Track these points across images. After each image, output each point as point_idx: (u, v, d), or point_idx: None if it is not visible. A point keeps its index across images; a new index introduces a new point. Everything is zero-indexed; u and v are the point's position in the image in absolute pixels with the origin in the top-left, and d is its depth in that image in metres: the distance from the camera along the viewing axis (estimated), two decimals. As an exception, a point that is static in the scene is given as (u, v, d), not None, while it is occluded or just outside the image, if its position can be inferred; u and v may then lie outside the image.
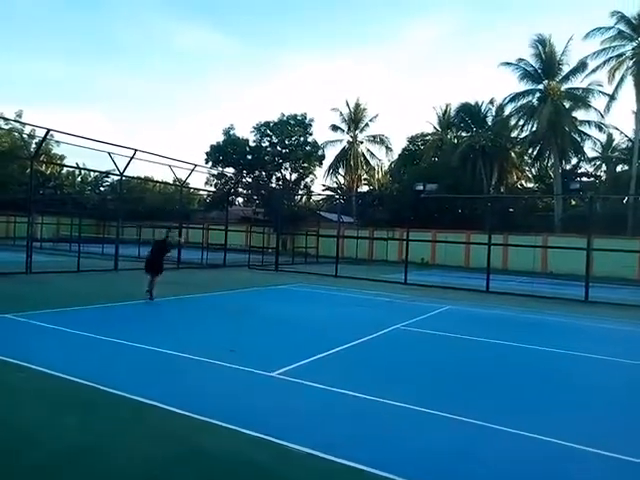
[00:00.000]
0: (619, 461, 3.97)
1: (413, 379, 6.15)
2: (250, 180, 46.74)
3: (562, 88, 38.19)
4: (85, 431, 4.07)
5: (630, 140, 40.57)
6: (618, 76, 35.44)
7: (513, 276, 25.37)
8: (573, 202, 41.94)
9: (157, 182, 51.02)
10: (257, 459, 3.69)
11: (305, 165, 45.49)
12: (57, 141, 39.36)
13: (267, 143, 45.45)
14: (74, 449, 3.74)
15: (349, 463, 3.65)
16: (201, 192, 44.96)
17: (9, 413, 4.40)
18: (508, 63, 38.64)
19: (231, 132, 45.53)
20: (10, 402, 4.67)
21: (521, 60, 38.34)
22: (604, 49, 35.30)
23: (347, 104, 48.62)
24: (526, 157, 44.04)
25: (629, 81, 35.25)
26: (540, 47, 37.68)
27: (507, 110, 40.73)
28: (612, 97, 36.07)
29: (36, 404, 4.63)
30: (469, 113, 43.62)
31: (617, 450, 4.10)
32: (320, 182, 54.02)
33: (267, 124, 45.13)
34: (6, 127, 45.48)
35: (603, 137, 41.73)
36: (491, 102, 43.59)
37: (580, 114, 38.80)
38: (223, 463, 3.64)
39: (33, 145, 42.97)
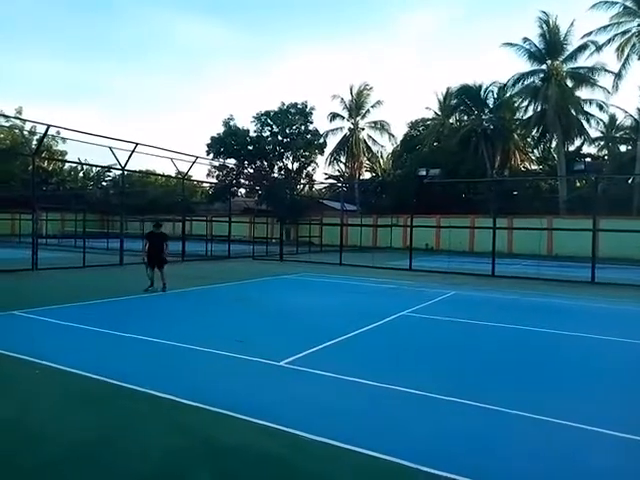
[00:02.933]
0: (631, 441, 3.95)
1: (422, 365, 6.14)
2: (252, 171, 46.60)
3: (566, 68, 37.66)
4: (99, 425, 4.09)
5: (635, 119, 40.11)
6: (624, 54, 34.85)
7: (518, 259, 25.32)
8: (578, 184, 41.62)
9: (159, 175, 50.98)
10: (269, 449, 3.70)
11: (306, 154, 45.27)
12: (63, 138, 39.47)
13: (268, 133, 45.19)
14: (89, 443, 3.77)
15: (362, 451, 3.65)
16: (203, 184, 44.91)
17: (24, 409, 4.42)
18: (511, 44, 38.17)
19: (231, 123, 45.25)
20: (25, 398, 4.69)
21: (526, 40, 37.77)
22: (609, 25, 34.65)
23: (351, 90, 48.28)
24: (529, 139, 43.62)
25: (635, 59, 34.69)
26: (545, 26, 37.10)
27: (509, 91, 40.26)
28: (619, 75, 35.49)
29: (50, 399, 4.65)
30: (469, 95, 43.10)
31: (632, 431, 4.08)
32: (322, 170, 53.94)
33: (267, 113, 44.84)
34: (7, 124, 45.43)
35: (605, 117, 41.22)
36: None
37: (584, 93, 38.35)
38: (236, 454, 3.65)
39: (34, 142, 43.04)
